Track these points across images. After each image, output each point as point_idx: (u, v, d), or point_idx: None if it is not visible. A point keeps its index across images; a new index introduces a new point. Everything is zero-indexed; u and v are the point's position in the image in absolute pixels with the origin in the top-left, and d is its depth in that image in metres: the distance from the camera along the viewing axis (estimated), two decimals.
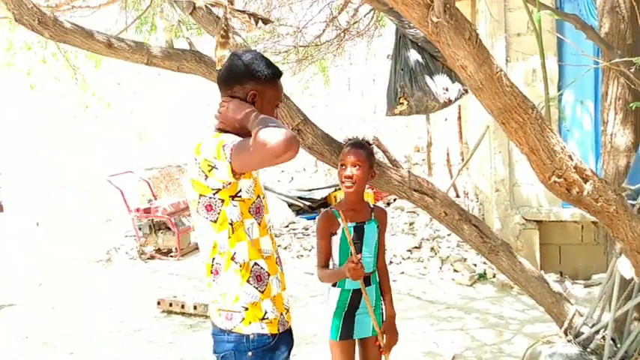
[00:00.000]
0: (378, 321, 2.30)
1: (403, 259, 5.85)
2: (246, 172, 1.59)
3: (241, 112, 1.58)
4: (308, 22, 6.00)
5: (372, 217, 2.29)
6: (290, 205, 8.93)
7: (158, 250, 7.08)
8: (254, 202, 1.66)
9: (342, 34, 6.55)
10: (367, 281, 2.28)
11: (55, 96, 6.75)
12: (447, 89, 3.09)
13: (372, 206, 2.34)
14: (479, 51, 1.46)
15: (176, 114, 11.97)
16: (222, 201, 1.59)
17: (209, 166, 1.52)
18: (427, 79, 3.02)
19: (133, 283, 5.98)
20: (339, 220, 2.20)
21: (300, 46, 6.60)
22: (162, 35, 2.64)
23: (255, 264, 1.64)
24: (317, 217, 2.39)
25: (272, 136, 1.39)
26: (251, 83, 1.65)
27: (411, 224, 6.84)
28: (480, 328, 4.14)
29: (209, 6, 1.34)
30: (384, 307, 2.37)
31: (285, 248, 7.28)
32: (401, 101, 3.11)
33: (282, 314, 1.70)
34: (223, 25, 1.34)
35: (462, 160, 7.53)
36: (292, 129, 2.63)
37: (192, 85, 11.56)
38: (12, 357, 4.07)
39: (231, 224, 1.60)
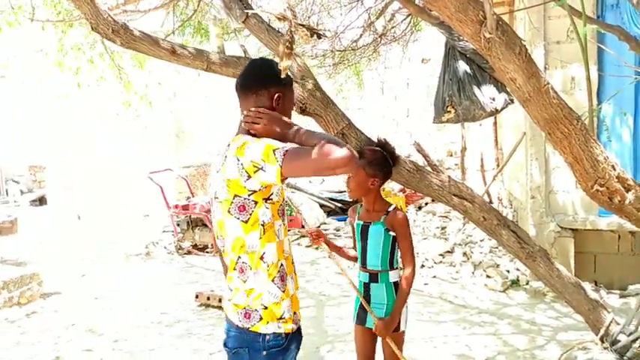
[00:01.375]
0: (377, 314, 2.46)
1: (435, 263, 5.90)
2: (294, 177, 1.68)
3: (288, 127, 1.68)
4: (346, 28, 6.10)
5: (381, 221, 2.44)
6: (322, 206, 9.05)
7: (195, 246, 7.31)
8: (280, 205, 1.73)
9: (379, 39, 6.63)
10: (375, 278, 2.49)
11: (100, 95, 7.02)
12: (493, 99, 3.16)
13: (388, 210, 2.45)
14: (528, 65, 1.54)
15: (213, 113, 12.25)
16: (256, 203, 1.64)
17: (255, 167, 1.57)
18: (475, 88, 3.11)
19: (171, 277, 6.20)
20: (356, 215, 2.54)
21: (338, 51, 6.70)
22: (215, 41, 2.78)
23: (281, 265, 1.72)
24: None
25: (337, 149, 1.50)
26: (275, 87, 1.74)
27: (442, 229, 6.86)
28: (512, 334, 4.16)
29: (276, 18, 1.46)
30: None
31: (317, 248, 7.40)
32: (448, 109, 3.21)
33: (295, 313, 1.76)
34: (288, 38, 1.46)
35: (497, 165, 7.51)
36: (337, 133, 2.74)
37: (230, 86, 11.80)
38: (61, 342, 4.29)
39: (262, 225, 1.66)
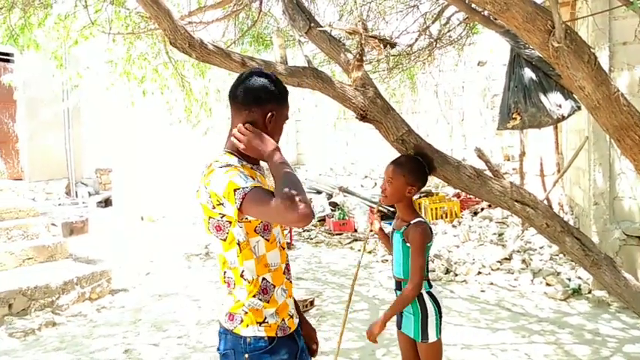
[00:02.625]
0: (414, 328, 2.44)
1: (492, 270, 5.80)
2: (252, 218, 1.65)
3: (269, 151, 1.66)
4: (402, 33, 6.12)
5: (401, 230, 2.44)
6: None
7: None
8: (261, 222, 1.69)
9: (434, 43, 6.59)
10: (399, 286, 2.49)
11: (163, 102, 7.36)
12: (560, 105, 3.12)
13: (412, 222, 2.41)
14: (597, 72, 1.54)
15: None
16: (230, 222, 1.64)
17: (217, 201, 1.59)
18: (541, 95, 3.08)
19: None
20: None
21: (392, 55, 6.72)
22: (277, 51, 2.90)
23: (263, 279, 1.70)
24: None
25: (295, 209, 1.47)
26: (270, 104, 1.71)
27: (500, 235, 6.73)
28: (574, 344, 4.05)
29: (347, 33, 1.53)
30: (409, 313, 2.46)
31: (370, 252, 7.43)
32: (514, 116, 3.20)
33: (283, 320, 1.74)
34: (359, 50, 1.53)
35: (558, 171, 7.28)
36: (397, 139, 2.79)
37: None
38: (130, 336, 4.54)
39: (238, 244, 1.66)
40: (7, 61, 11.36)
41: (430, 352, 2.46)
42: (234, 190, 1.54)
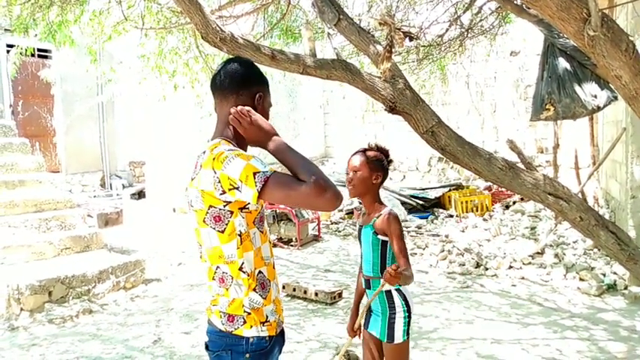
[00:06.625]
0: (380, 327, 2.37)
1: (524, 264, 5.70)
2: (271, 202, 1.64)
3: (270, 134, 1.65)
4: (432, 23, 6.03)
5: (371, 223, 2.35)
6: (403, 203, 9.02)
7: (280, 239, 7.59)
8: (259, 213, 1.67)
9: (465, 33, 6.48)
10: (368, 284, 2.40)
11: (193, 95, 7.46)
12: (595, 96, 3.03)
13: (382, 212, 2.34)
14: (635, 62, 1.49)
15: (297, 111, 12.59)
16: (232, 213, 1.60)
17: (231, 185, 1.54)
18: (575, 86, 3.00)
19: None
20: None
21: (422, 46, 6.64)
22: (306, 44, 2.90)
23: (260, 272, 1.68)
24: None
25: (327, 193, 1.48)
26: (256, 86, 1.72)
27: (532, 229, 6.61)
28: (608, 340, 3.96)
29: (378, 23, 1.52)
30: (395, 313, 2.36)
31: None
32: (547, 107, 3.13)
33: (279, 316, 1.75)
34: (389, 42, 1.52)
35: (593, 163, 7.09)
36: (427, 130, 2.77)
37: (315, 84, 12.04)
38: (162, 324, 4.66)
39: (239, 235, 1.62)
40: (46, 57, 11.72)
41: (396, 354, 2.37)
42: (254, 174, 1.51)
